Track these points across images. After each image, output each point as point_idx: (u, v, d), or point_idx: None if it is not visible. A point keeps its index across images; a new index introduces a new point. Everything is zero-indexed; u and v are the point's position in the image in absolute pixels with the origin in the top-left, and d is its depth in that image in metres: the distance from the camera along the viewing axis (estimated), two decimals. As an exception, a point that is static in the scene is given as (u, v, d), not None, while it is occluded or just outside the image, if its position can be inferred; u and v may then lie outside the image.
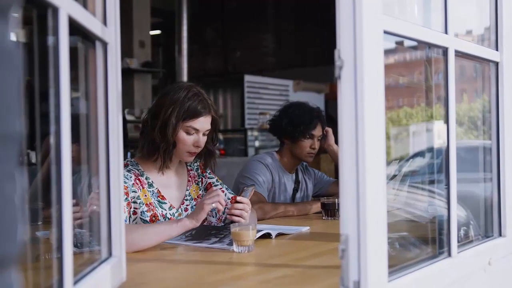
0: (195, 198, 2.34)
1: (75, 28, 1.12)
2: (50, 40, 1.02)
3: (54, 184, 1.01)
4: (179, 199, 2.30)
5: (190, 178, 2.37)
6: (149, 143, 2.19)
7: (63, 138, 1.01)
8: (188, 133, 2.18)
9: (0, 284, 0.54)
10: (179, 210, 2.27)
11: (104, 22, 1.35)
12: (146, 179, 2.21)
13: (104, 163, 1.36)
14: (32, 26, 1.05)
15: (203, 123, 2.20)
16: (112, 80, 1.37)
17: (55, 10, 1.00)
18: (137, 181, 2.17)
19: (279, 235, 2.17)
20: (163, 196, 2.23)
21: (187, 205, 2.31)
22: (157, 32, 10.28)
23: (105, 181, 1.37)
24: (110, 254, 1.37)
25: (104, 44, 1.35)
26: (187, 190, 2.34)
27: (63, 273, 1.01)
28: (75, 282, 1.10)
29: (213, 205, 1.96)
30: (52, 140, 1.01)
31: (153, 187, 2.22)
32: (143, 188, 2.18)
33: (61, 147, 1.01)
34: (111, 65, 1.37)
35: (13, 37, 0.57)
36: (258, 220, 2.62)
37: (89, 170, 1.42)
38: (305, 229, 2.34)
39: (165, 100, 2.18)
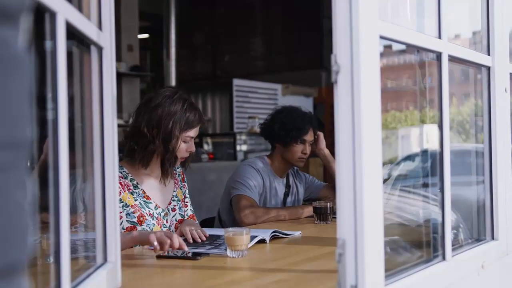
0: (181, 200, 2.44)
1: (71, 33, 1.11)
2: (47, 44, 1.01)
3: (51, 190, 1.00)
4: (166, 199, 2.37)
5: (176, 181, 2.45)
6: (149, 154, 2.24)
7: (61, 143, 1.00)
8: (184, 142, 2.28)
9: None
10: (166, 210, 2.34)
11: (100, 26, 1.34)
12: (130, 181, 2.27)
13: (99, 169, 1.36)
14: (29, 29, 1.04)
15: (197, 130, 2.33)
16: (107, 84, 1.37)
17: (53, 14, 0.99)
18: (119, 184, 2.20)
19: (274, 238, 2.17)
20: (148, 196, 2.29)
21: (174, 205, 2.39)
22: (145, 35, 10.25)
23: (100, 187, 1.36)
24: (105, 259, 1.36)
25: (99, 49, 1.34)
26: (174, 191, 2.42)
27: (61, 279, 1.00)
28: (72, 288, 1.09)
29: (155, 243, 1.83)
30: (49, 144, 1.01)
31: (139, 188, 2.27)
32: (125, 191, 2.23)
33: (59, 152, 1.00)
34: (106, 70, 1.36)
35: (23, 43, 0.57)
36: (250, 225, 2.62)
37: (83, 174, 1.41)
38: (297, 233, 2.34)
39: (160, 112, 2.22)
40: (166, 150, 2.24)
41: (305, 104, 7.61)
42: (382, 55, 1.53)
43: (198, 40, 10.44)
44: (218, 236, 2.18)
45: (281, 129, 2.99)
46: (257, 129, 7.32)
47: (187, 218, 2.43)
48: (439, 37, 1.52)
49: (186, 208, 2.48)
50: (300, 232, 2.36)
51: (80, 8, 1.26)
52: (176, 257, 1.85)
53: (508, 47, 1.91)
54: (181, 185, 2.49)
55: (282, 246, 2.11)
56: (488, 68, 1.83)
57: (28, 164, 1.42)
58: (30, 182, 0.58)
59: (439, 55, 1.52)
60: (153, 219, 2.25)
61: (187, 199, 2.50)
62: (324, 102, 8.43)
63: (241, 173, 2.95)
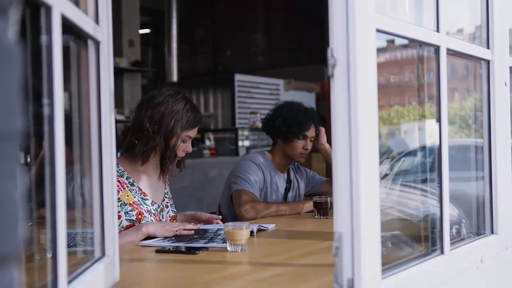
0: (170, 198, 2.49)
1: (67, 27, 1.11)
2: (43, 39, 1.01)
3: (47, 185, 1.00)
4: (160, 196, 2.41)
5: (166, 179, 2.50)
6: (149, 150, 2.27)
7: (57, 138, 1.00)
8: (183, 141, 2.32)
9: (1, 281, 0.54)
10: (161, 206, 2.39)
11: (97, 21, 1.34)
12: (126, 179, 2.30)
13: (97, 164, 1.36)
14: (25, 24, 1.04)
15: (196, 131, 2.37)
16: (105, 79, 1.37)
17: (48, 8, 0.99)
18: (117, 182, 2.22)
19: (259, 231, 2.21)
20: (144, 193, 2.32)
21: (167, 202, 2.45)
22: (147, 31, 10.25)
23: (98, 181, 1.36)
24: (103, 253, 1.37)
25: (97, 43, 1.34)
26: (166, 189, 2.47)
27: (57, 272, 1.00)
28: (69, 282, 1.09)
29: (177, 233, 2.12)
30: (45, 140, 1.01)
31: (135, 186, 2.30)
32: (124, 189, 2.25)
33: (55, 148, 1.00)
34: (104, 64, 1.36)
35: (12, 35, 0.57)
36: (250, 220, 2.62)
37: (81, 170, 1.41)
38: (271, 226, 2.36)
39: (163, 109, 2.26)
40: (166, 147, 2.27)
41: (308, 99, 7.61)
42: (384, 49, 1.53)
43: (199, 36, 10.44)
44: (206, 230, 2.20)
45: (283, 125, 2.99)
46: (259, 125, 7.33)
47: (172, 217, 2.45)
48: (437, 30, 1.52)
49: (174, 206, 2.51)
50: (274, 225, 2.38)
51: (77, 2, 1.26)
52: (175, 252, 1.86)
53: (508, 40, 1.90)
54: (169, 184, 2.54)
55: (281, 241, 2.12)
56: (488, 62, 1.82)
57: (29, 159, 1.42)
58: (21, 173, 0.58)
59: (437, 49, 1.52)
60: (150, 216, 2.28)
61: (170, 202, 2.54)
62: (326, 98, 8.42)
63: (242, 168, 2.95)
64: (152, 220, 2.27)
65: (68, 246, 1.13)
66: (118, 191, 2.21)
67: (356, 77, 1.15)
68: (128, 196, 2.25)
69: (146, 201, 2.31)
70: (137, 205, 2.25)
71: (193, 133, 2.34)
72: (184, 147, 2.33)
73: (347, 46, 1.16)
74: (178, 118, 2.26)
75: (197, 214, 2.48)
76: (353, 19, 1.15)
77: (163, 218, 2.37)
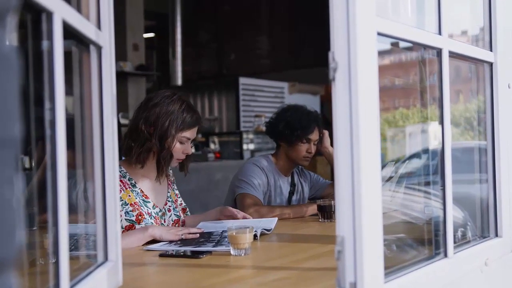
0: (174, 201, 2.48)
1: (69, 32, 1.12)
2: (44, 44, 1.02)
3: (49, 189, 1.00)
4: (162, 200, 2.41)
5: (169, 182, 2.49)
6: (146, 151, 2.27)
7: (58, 143, 1.01)
8: (181, 142, 2.31)
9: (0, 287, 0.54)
10: (163, 210, 2.39)
11: (98, 26, 1.35)
12: (129, 180, 2.30)
13: (99, 168, 1.36)
14: (26, 30, 1.05)
15: (195, 132, 2.36)
16: (107, 84, 1.37)
17: (50, 14, 0.99)
18: (120, 182, 2.23)
19: (262, 234, 2.21)
20: (146, 195, 2.33)
21: (169, 206, 2.44)
22: (151, 35, 10.26)
23: (101, 186, 1.37)
24: (106, 258, 1.37)
25: (99, 48, 1.35)
26: (168, 192, 2.46)
27: (60, 277, 1.00)
28: (71, 286, 1.09)
29: (183, 236, 2.12)
30: (47, 145, 1.01)
31: (137, 187, 2.31)
32: (126, 189, 2.26)
33: (57, 152, 1.00)
34: (106, 69, 1.37)
35: (10, 41, 0.57)
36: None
37: (84, 175, 1.42)
38: (274, 221, 2.39)
39: (158, 110, 2.27)
40: (161, 148, 2.27)
41: (312, 102, 7.61)
42: (389, 52, 1.52)
43: (203, 39, 10.43)
44: (211, 233, 2.20)
45: (286, 128, 2.99)
46: (263, 128, 7.32)
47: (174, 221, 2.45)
48: (439, 33, 1.51)
49: (180, 207, 2.51)
50: (276, 218, 2.41)
51: (79, 8, 1.27)
52: (178, 256, 1.86)
53: (511, 42, 1.89)
54: (173, 187, 2.53)
55: (285, 244, 2.11)
56: (491, 64, 1.82)
57: (33, 164, 1.43)
58: (19, 179, 0.58)
59: (439, 51, 1.51)
60: (151, 218, 2.28)
61: (179, 198, 2.54)
62: (330, 100, 8.40)
63: (246, 171, 2.95)
64: (152, 223, 2.27)
65: (71, 249, 1.14)
66: (120, 190, 2.21)
67: (357, 81, 1.15)
68: (129, 196, 2.26)
69: (148, 204, 2.31)
70: (138, 206, 2.26)
71: (190, 134, 2.32)
72: (183, 149, 2.32)
73: (348, 49, 1.16)
74: (173, 119, 2.26)
75: (227, 210, 2.51)
76: (354, 22, 1.15)
77: (165, 222, 2.37)
